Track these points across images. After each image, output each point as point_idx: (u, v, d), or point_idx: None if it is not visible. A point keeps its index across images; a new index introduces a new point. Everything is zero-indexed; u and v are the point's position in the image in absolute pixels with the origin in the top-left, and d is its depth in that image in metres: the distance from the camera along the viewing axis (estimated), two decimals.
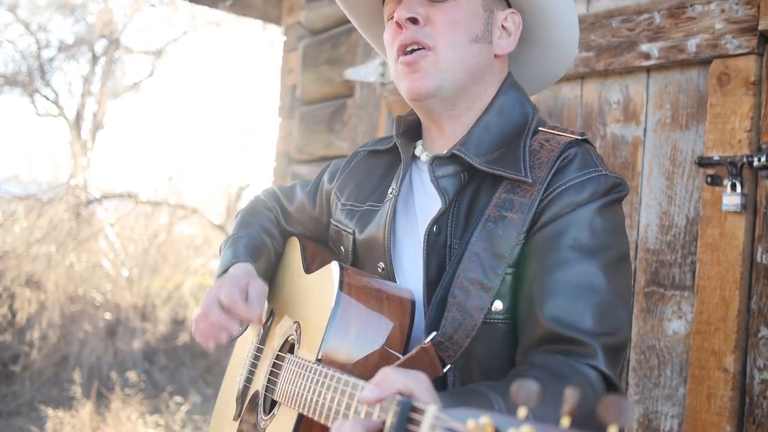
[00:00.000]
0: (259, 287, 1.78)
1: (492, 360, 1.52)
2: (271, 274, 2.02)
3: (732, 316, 2.25)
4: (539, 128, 1.64)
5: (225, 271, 1.85)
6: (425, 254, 1.56)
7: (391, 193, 1.73)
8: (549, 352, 1.41)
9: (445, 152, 1.62)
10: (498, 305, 1.48)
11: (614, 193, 1.53)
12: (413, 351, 1.43)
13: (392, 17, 1.63)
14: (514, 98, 1.68)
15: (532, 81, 1.88)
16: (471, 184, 1.60)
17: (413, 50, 1.58)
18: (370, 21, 1.86)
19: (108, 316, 10.90)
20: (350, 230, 1.79)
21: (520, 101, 1.68)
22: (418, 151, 1.77)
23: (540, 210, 1.49)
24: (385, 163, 1.86)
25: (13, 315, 9.69)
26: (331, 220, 1.90)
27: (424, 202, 1.69)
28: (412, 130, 1.82)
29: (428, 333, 1.47)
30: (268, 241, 2.03)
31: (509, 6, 1.70)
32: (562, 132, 1.61)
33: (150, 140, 21.52)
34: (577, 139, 1.58)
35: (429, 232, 1.57)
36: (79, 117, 16.13)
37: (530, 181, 1.50)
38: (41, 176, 13.16)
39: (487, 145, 1.60)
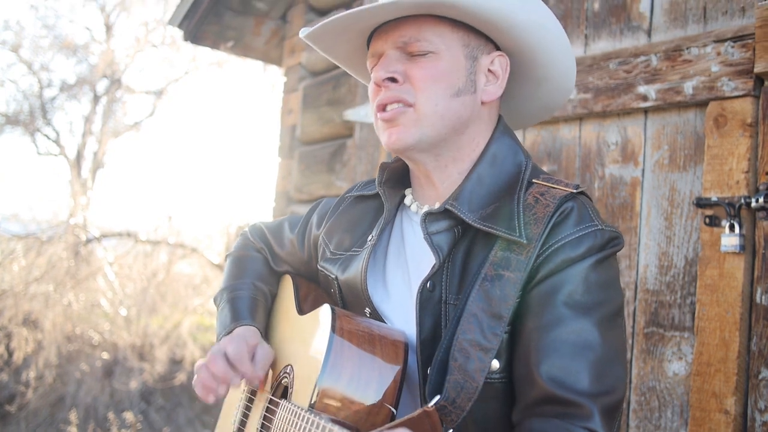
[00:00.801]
0: (266, 352, 1.78)
1: (489, 419, 1.51)
2: (267, 318, 2.02)
3: (732, 357, 2.24)
4: (533, 180, 1.61)
5: (229, 332, 1.84)
6: (418, 311, 1.54)
7: (369, 241, 1.72)
8: (546, 415, 1.40)
9: (437, 207, 1.60)
10: (495, 364, 1.46)
11: (609, 248, 1.51)
12: (415, 413, 1.41)
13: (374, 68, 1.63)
14: (507, 146, 1.66)
15: (527, 115, 1.87)
16: (465, 238, 1.58)
17: (393, 108, 1.57)
18: (357, 64, 1.84)
19: (105, 355, 10.84)
20: (333, 275, 1.78)
21: (512, 150, 1.66)
22: (408, 201, 1.75)
23: (536, 266, 1.47)
24: (373, 208, 1.84)
25: (10, 354, 9.64)
26: (319, 266, 1.87)
27: (416, 253, 1.67)
28: (398, 176, 1.80)
29: (430, 397, 1.45)
30: (264, 289, 2.02)
31: (497, 48, 1.67)
32: (557, 184, 1.58)
33: (150, 179, 21.59)
34: (572, 192, 1.55)
35: (422, 289, 1.54)
36: (79, 156, 16.21)
37: (524, 241, 1.48)
38: (41, 215, 13.19)
39: (480, 199, 1.58)
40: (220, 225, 14.23)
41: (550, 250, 1.47)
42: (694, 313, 2.40)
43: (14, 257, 10.88)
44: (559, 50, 1.68)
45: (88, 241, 12.19)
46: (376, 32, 1.64)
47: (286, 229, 2.07)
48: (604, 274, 1.49)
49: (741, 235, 2.24)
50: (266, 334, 1.99)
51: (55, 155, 16.38)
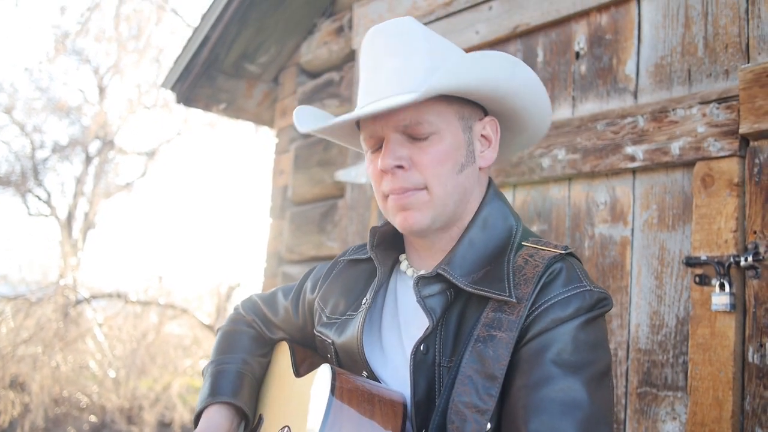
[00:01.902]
0: None
1: None
2: (256, 393, 2.01)
3: (726, 417, 2.23)
4: (523, 243, 1.64)
5: (203, 409, 1.88)
6: (412, 373, 1.55)
7: (364, 303, 1.73)
8: None
9: (430, 272, 1.61)
10: (487, 425, 1.46)
11: (598, 309, 1.53)
12: None
13: (372, 151, 1.66)
14: (498, 210, 1.69)
15: (505, 154, 1.93)
16: (458, 300, 1.60)
17: (405, 194, 1.59)
18: (345, 134, 1.85)
19: (93, 419, 10.69)
20: (330, 340, 1.78)
21: (503, 214, 1.69)
22: (403, 267, 1.77)
23: (526, 325, 1.49)
24: (367, 271, 1.85)
25: None
26: (315, 331, 1.88)
27: (410, 317, 1.68)
28: (390, 238, 1.83)
29: None
30: (253, 363, 2.02)
31: (485, 111, 1.72)
32: (546, 246, 1.61)
33: (141, 240, 21.54)
34: (561, 253, 1.58)
35: (416, 352, 1.55)
36: (70, 217, 16.20)
37: (514, 301, 1.50)
38: (30, 276, 13.12)
39: (471, 264, 1.60)
40: (211, 286, 14.20)
41: (539, 310, 1.49)
42: (686, 373, 2.39)
43: (2, 319, 10.79)
44: (543, 107, 1.75)
45: (78, 302, 12.11)
46: None
47: (279, 297, 2.08)
48: (593, 335, 1.51)
49: (731, 293, 2.25)
50: (259, 399, 1.99)
51: (46, 216, 16.37)
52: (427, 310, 1.57)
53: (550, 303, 1.50)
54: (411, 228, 1.60)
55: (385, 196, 1.63)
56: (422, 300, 1.58)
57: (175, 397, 11.36)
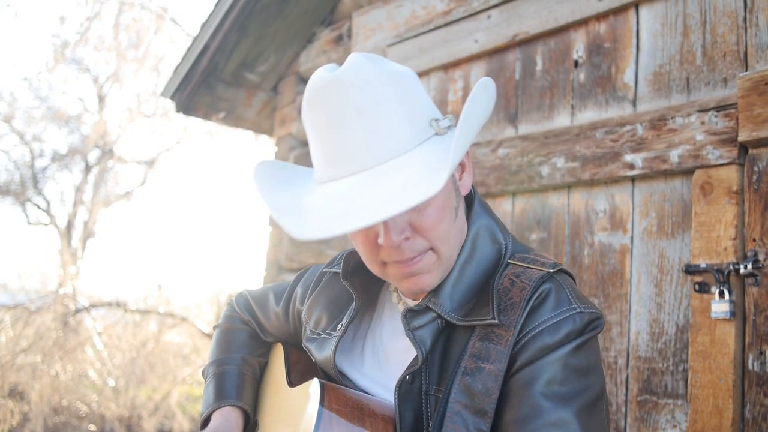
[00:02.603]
0: None
1: None
2: (256, 394, 2.00)
3: (726, 425, 2.23)
4: (509, 261, 1.55)
5: (212, 413, 1.86)
6: (398, 404, 1.50)
7: (339, 329, 1.67)
8: None
9: (419, 304, 1.53)
10: None
11: (589, 332, 1.45)
12: None
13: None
14: (486, 230, 1.59)
15: None
16: (445, 329, 1.53)
17: (414, 261, 1.47)
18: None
19: (92, 427, 10.66)
20: (313, 357, 1.74)
21: (491, 232, 1.59)
22: (394, 299, 1.68)
23: (514, 354, 1.42)
24: (347, 290, 1.76)
25: None
26: (303, 343, 1.83)
27: (396, 343, 1.63)
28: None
29: None
30: (253, 363, 2.00)
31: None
32: (533, 264, 1.52)
33: (140, 248, 21.52)
34: (549, 272, 1.50)
35: (401, 383, 1.50)
36: (70, 225, 16.20)
37: (497, 322, 1.43)
38: (30, 285, 13.11)
39: (461, 296, 1.51)
40: (210, 294, 14.18)
41: (527, 338, 1.42)
42: (686, 380, 2.39)
43: (2, 327, 10.77)
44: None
45: (77, 311, 12.10)
46: None
47: (271, 300, 2.02)
48: (584, 360, 1.43)
49: (731, 301, 2.25)
50: (256, 405, 1.98)
51: (46, 225, 16.37)
52: (417, 343, 1.50)
53: (538, 330, 1.42)
54: (421, 291, 1.50)
55: (382, 265, 1.50)
56: (411, 333, 1.51)
57: (174, 405, 11.34)
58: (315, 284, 1.86)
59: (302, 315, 1.85)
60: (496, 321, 1.43)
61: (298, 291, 1.93)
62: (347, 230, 1.29)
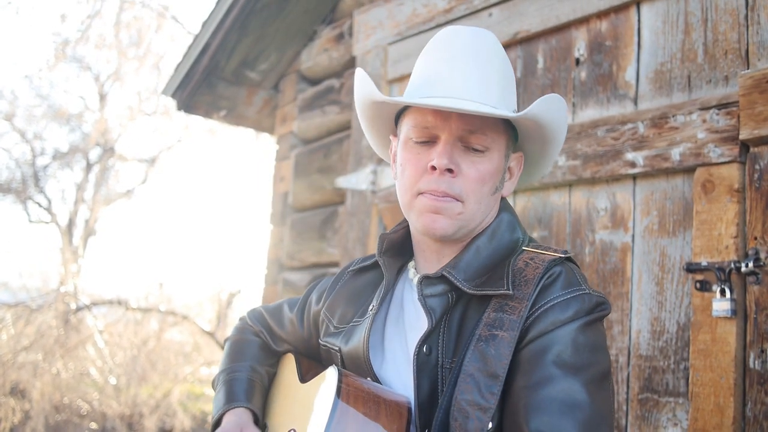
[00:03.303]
0: None
1: None
2: (265, 401, 2.04)
3: (727, 423, 2.23)
4: (523, 248, 1.68)
5: (222, 415, 1.90)
6: (416, 374, 1.56)
7: (371, 310, 1.74)
8: None
9: (434, 272, 1.64)
10: (489, 424, 1.47)
11: (597, 312, 1.55)
12: None
13: (419, 144, 1.64)
14: (507, 223, 1.72)
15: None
16: (460, 303, 1.62)
17: (445, 200, 1.60)
18: (376, 119, 1.84)
19: (94, 425, 10.67)
20: (336, 348, 1.80)
21: (511, 225, 1.72)
22: (411, 274, 1.78)
23: (527, 327, 1.51)
24: (373, 279, 1.88)
25: None
26: (320, 341, 1.90)
27: (414, 320, 1.70)
28: (398, 246, 1.84)
29: None
30: (261, 372, 2.05)
31: (514, 150, 1.76)
32: (546, 251, 1.65)
33: (141, 246, 21.55)
34: (560, 257, 1.62)
35: (419, 353, 1.57)
36: (71, 224, 16.21)
37: (512, 293, 1.54)
38: (31, 283, 13.12)
39: (475, 270, 1.62)
40: (212, 292, 14.20)
41: (539, 311, 1.52)
42: (688, 379, 2.39)
43: (3, 326, 10.78)
44: (563, 138, 1.78)
45: (78, 309, 12.11)
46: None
47: (285, 309, 2.11)
48: (592, 337, 1.52)
49: (732, 299, 2.25)
50: (265, 409, 2.01)
51: (47, 223, 16.38)
52: (427, 309, 1.59)
53: (549, 305, 1.52)
54: (435, 232, 1.61)
55: (416, 194, 1.63)
56: (423, 299, 1.60)
57: (175, 403, 11.35)
58: (333, 285, 1.96)
59: (321, 315, 1.93)
60: (510, 292, 1.54)
61: (313, 297, 2.02)
62: (447, 106, 1.53)
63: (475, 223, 1.65)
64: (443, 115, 1.60)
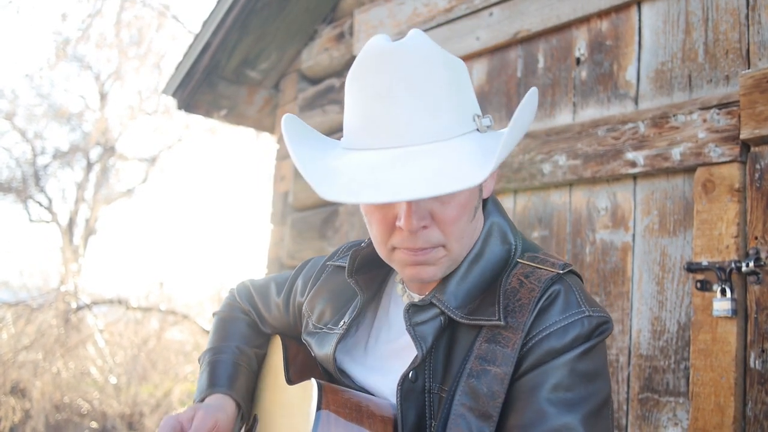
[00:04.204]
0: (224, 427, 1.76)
1: None
2: (252, 385, 1.98)
3: (728, 423, 2.23)
4: (518, 260, 1.53)
5: (203, 399, 1.83)
6: (400, 403, 1.47)
7: (342, 326, 1.66)
8: None
9: (422, 299, 1.51)
10: None
11: (597, 336, 1.42)
12: None
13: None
14: (497, 229, 1.58)
15: None
16: (448, 327, 1.51)
17: (425, 251, 1.44)
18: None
19: (94, 425, 10.68)
20: (313, 351, 1.73)
21: (502, 232, 1.58)
22: (399, 290, 1.66)
23: (522, 356, 1.40)
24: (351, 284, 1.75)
25: None
26: (302, 336, 1.82)
27: (400, 338, 1.60)
28: (377, 260, 1.64)
29: None
30: (249, 353, 1.97)
31: None
32: (543, 264, 1.51)
33: (142, 246, 21.55)
34: (558, 273, 1.48)
35: (403, 381, 1.47)
36: (71, 223, 16.22)
37: (503, 324, 1.41)
38: (32, 282, 13.13)
39: (465, 293, 1.50)
40: (212, 291, 14.18)
41: (534, 341, 1.40)
42: (688, 378, 2.39)
43: (3, 325, 10.79)
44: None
45: (79, 308, 12.11)
46: None
47: (272, 291, 2.00)
48: (591, 365, 1.41)
49: (733, 299, 2.24)
50: (254, 398, 1.96)
51: (47, 222, 16.39)
52: (417, 339, 1.47)
53: (546, 333, 1.40)
54: (423, 281, 1.49)
55: (391, 250, 1.48)
56: (412, 328, 1.49)
57: (176, 403, 11.35)
58: (316, 277, 1.84)
59: (303, 308, 1.84)
60: (503, 323, 1.41)
61: (299, 283, 1.91)
62: (377, 201, 1.27)
63: (463, 255, 1.50)
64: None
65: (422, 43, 1.41)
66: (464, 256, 1.51)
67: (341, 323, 1.66)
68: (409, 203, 1.37)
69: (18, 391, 10.14)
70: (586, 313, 1.43)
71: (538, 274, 1.48)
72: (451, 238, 1.44)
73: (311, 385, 1.56)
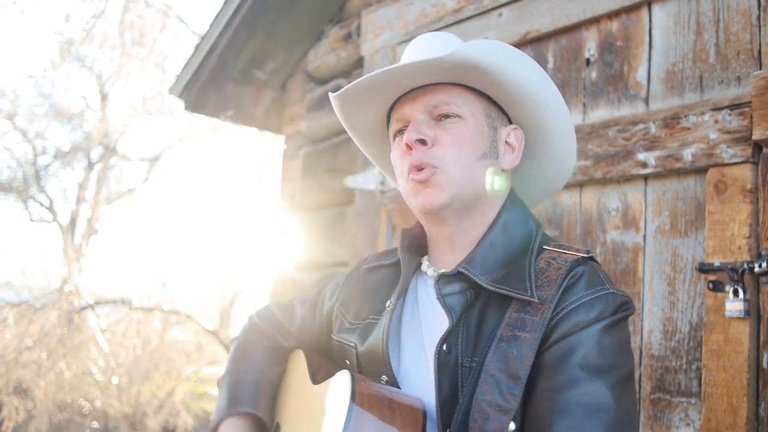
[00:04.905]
0: None
1: None
2: (274, 403, 2.01)
3: (741, 423, 2.23)
4: (544, 246, 1.66)
5: (221, 421, 1.89)
6: (437, 374, 1.55)
7: (388, 307, 1.73)
8: None
9: (451, 270, 1.63)
10: (511, 426, 1.45)
11: (621, 312, 1.53)
12: None
13: (399, 134, 1.69)
14: (518, 214, 1.71)
15: (532, 194, 1.92)
16: (478, 301, 1.61)
17: (425, 170, 1.61)
18: (371, 138, 1.89)
19: (96, 425, 10.69)
20: (352, 344, 1.78)
21: (523, 217, 1.71)
22: (424, 266, 1.77)
23: (550, 328, 1.50)
24: (389, 276, 1.85)
25: (0, 424, 9.49)
26: (333, 336, 1.88)
27: (430, 318, 1.69)
28: (416, 243, 1.83)
29: None
30: (269, 374, 2.02)
31: (510, 122, 1.75)
32: (567, 250, 1.62)
33: (144, 245, 21.54)
34: (583, 257, 1.59)
35: (439, 352, 1.55)
36: (72, 223, 16.23)
37: (537, 300, 1.51)
38: (34, 282, 13.12)
39: (492, 264, 1.61)
40: (215, 292, 14.19)
41: (563, 312, 1.50)
42: (700, 379, 2.39)
43: (6, 325, 10.80)
44: (566, 132, 1.76)
45: (81, 308, 12.11)
46: (403, 98, 1.70)
47: (297, 306, 2.09)
48: (617, 338, 1.51)
49: (745, 300, 2.25)
50: (276, 409, 1.99)
51: (48, 222, 16.39)
52: (447, 308, 1.58)
53: (573, 306, 1.50)
54: (431, 205, 1.61)
55: (406, 180, 1.65)
56: (442, 298, 1.59)
57: (178, 403, 11.36)
58: (346, 282, 1.95)
59: (335, 310, 1.92)
60: (535, 299, 1.51)
61: (327, 292, 2.01)
62: (387, 68, 1.57)
63: (469, 190, 1.63)
64: (411, 100, 1.66)
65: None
66: (473, 194, 1.64)
67: (388, 304, 1.75)
68: (413, 123, 1.63)
69: (21, 391, 10.15)
70: (611, 291, 1.54)
71: (564, 257, 1.60)
72: (448, 160, 1.60)
73: (342, 376, 1.59)
